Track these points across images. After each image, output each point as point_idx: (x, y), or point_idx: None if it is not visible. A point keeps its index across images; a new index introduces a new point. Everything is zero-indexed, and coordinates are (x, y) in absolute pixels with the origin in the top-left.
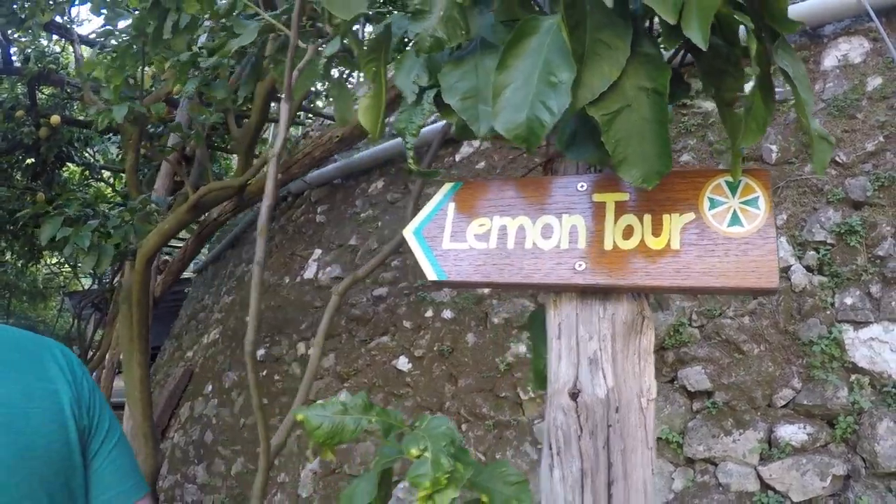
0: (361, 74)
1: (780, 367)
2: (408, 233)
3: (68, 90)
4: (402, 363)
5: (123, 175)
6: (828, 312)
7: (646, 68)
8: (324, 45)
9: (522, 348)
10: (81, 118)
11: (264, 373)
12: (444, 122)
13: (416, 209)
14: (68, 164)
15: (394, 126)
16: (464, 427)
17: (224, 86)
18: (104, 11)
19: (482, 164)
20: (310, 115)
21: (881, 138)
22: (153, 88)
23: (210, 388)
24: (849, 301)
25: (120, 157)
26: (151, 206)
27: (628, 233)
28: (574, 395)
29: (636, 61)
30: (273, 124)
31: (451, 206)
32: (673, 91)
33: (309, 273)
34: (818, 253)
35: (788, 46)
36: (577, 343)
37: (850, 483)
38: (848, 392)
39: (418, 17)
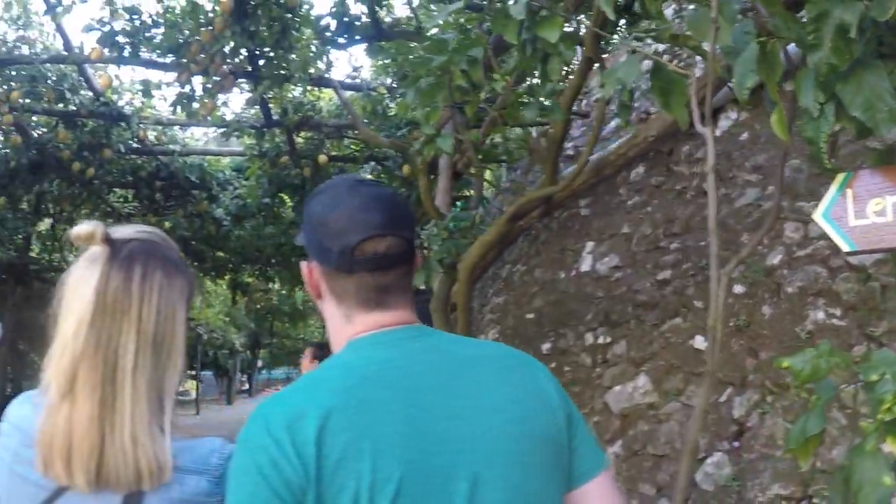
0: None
1: None
2: (818, 216)
3: (325, 131)
4: (699, 342)
5: None
6: None
7: None
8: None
9: (821, 315)
10: (335, 154)
11: (552, 365)
12: None
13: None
14: None
15: (802, 135)
16: (769, 399)
17: (558, 109)
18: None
19: (745, 135)
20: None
21: None
22: None
23: None
24: None
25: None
26: (464, 222)
27: None
28: None
29: None
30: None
31: (849, 191)
32: None
33: (585, 265)
34: None
35: None
36: None
37: None
38: None
39: (812, 48)
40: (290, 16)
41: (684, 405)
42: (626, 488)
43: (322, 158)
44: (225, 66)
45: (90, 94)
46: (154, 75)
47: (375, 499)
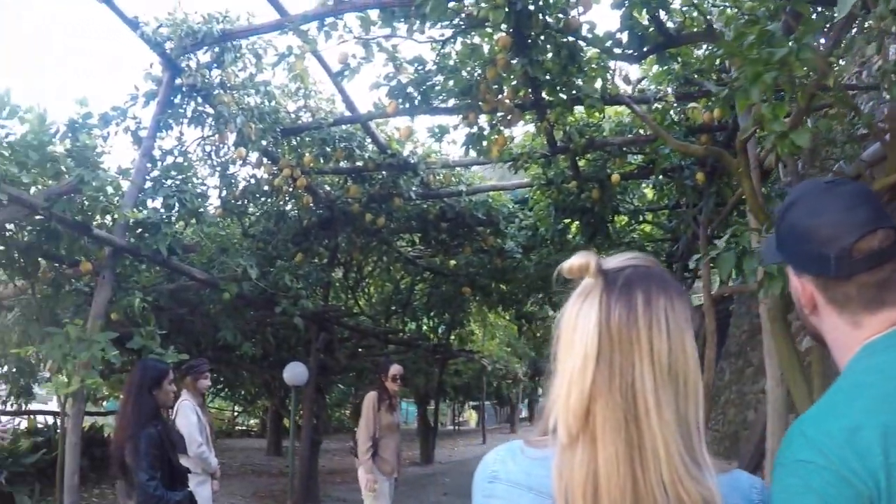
0: None
1: None
2: None
3: (609, 150)
4: None
5: (661, 213)
6: None
7: None
8: None
9: None
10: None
11: None
12: None
13: None
14: (616, 215)
15: None
16: None
17: None
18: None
19: None
20: None
21: None
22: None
23: None
24: None
25: (656, 197)
26: None
27: None
28: None
29: None
30: None
31: None
32: None
33: None
34: None
35: None
36: None
37: None
38: None
39: None
40: (572, 39)
41: None
42: None
43: (615, 178)
44: (509, 101)
45: (375, 148)
46: (439, 121)
47: None
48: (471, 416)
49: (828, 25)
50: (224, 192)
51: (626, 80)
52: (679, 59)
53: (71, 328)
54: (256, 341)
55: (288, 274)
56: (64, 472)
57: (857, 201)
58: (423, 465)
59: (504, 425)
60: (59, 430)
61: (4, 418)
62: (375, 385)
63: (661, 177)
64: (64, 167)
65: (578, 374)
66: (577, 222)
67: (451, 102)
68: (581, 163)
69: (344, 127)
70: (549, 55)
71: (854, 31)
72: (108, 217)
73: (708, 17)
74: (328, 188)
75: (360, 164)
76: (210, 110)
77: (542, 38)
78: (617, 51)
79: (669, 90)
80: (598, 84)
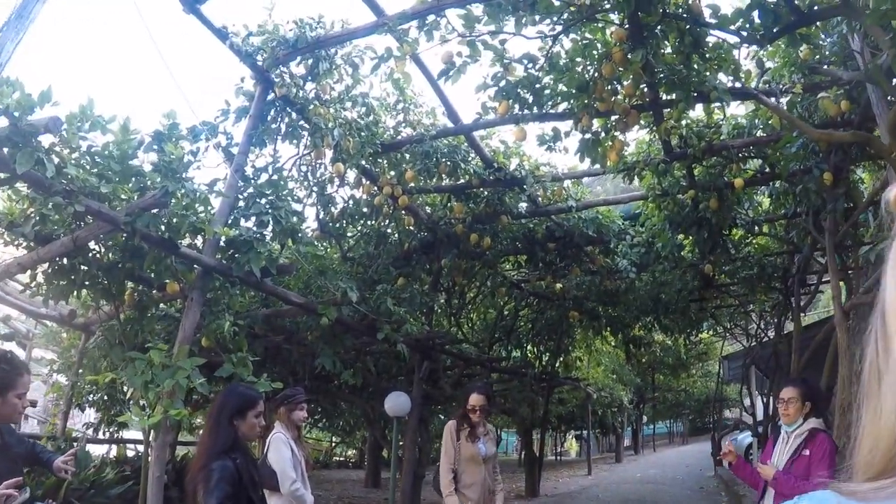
0: None
1: None
2: None
3: (725, 154)
4: None
5: (778, 224)
6: None
7: None
8: None
9: None
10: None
11: None
12: None
13: None
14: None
15: None
16: None
17: None
18: None
19: None
20: None
21: None
22: None
23: None
24: None
25: (772, 207)
26: None
27: None
28: None
29: None
30: None
31: None
32: None
33: None
34: None
35: None
36: None
37: None
38: None
39: None
40: (695, 25)
41: None
42: None
43: (738, 182)
44: (629, 97)
45: (480, 163)
46: (548, 128)
47: None
48: (571, 446)
49: None
50: (321, 214)
51: (760, 64)
52: (808, 43)
53: (154, 353)
54: (356, 370)
55: (390, 298)
56: None
57: None
58: (527, 499)
59: (608, 455)
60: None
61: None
62: (457, 413)
63: (778, 184)
64: (149, 181)
65: None
66: (691, 237)
67: (562, 107)
68: (696, 171)
69: (447, 140)
70: (671, 45)
71: None
72: (199, 238)
73: None
74: (429, 209)
75: (463, 180)
76: (305, 125)
77: (661, 26)
78: (745, 33)
79: (795, 80)
80: (724, 75)
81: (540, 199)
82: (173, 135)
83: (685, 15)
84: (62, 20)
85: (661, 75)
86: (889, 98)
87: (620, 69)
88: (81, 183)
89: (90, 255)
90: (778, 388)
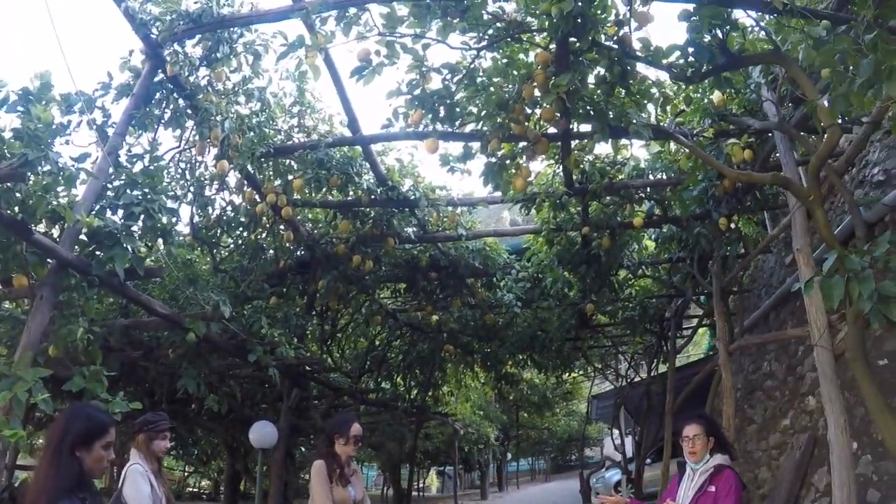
0: None
1: None
2: None
3: (623, 193)
4: None
5: (662, 267)
6: None
7: None
8: None
9: None
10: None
11: None
12: None
13: None
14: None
15: None
16: None
17: None
18: None
19: None
20: None
21: None
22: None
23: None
24: None
25: (658, 250)
26: None
27: None
28: None
29: None
30: None
31: None
32: None
33: None
34: None
35: None
36: None
37: None
38: None
39: None
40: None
41: None
42: None
43: (638, 220)
44: (537, 128)
45: (374, 179)
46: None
47: None
48: (433, 482)
49: None
50: (196, 218)
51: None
52: (731, 87)
53: None
54: (221, 395)
55: (264, 317)
56: None
57: None
58: None
59: (472, 491)
60: None
61: None
62: (323, 450)
63: (665, 228)
64: (6, 149)
65: None
66: (580, 274)
67: (469, 128)
68: (592, 208)
69: (342, 151)
70: (596, 73)
71: None
72: (56, 228)
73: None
74: (311, 226)
75: (353, 196)
76: (193, 114)
77: (593, 51)
78: (675, 70)
79: (705, 125)
80: (645, 111)
81: (429, 224)
82: (43, 97)
83: (615, 46)
84: None
85: (580, 104)
86: (804, 146)
87: (538, 94)
88: None
89: None
90: (650, 427)
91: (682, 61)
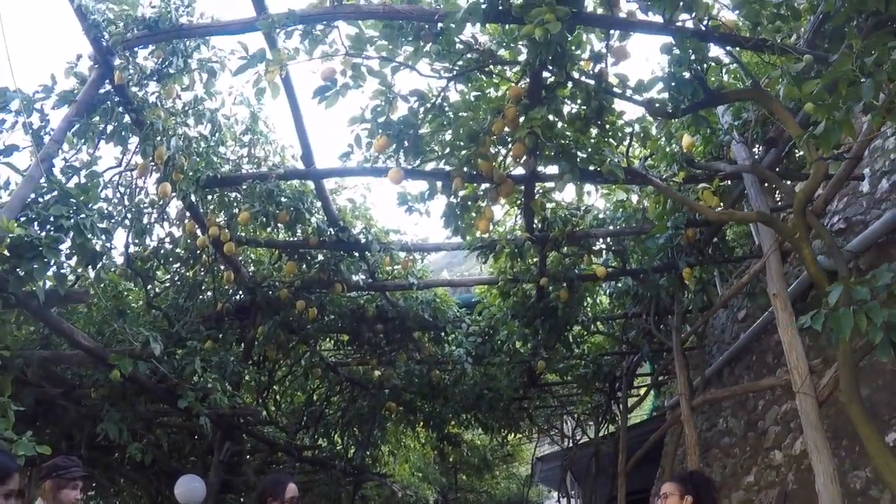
0: None
1: None
2: None
3: (583, 243)
4: None
5: (616, 322)
6: None
7: None
8: None
9: None
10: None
11: None
12: None
13: None
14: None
15: None
16: None
17: None
18: None
19: None
20: None
21: None
22: None
23: None
24: None
25: (613, 306)
26: None
27: None
28: None
29: None
30: None
31: None
32: None
33: None
34: None
35: None
36: None
37: None
38: None
39: None
40: (604, 92)
41: None
42: None
43: (601, 271)
44: (504, 168)
45: (325, 218)
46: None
47: None
48: None
49: None
50: (132, 248)
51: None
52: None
53: None
54: (146, 443)
55: (199, 360)
56: None
57: None
58: None
59: None
60: None
61: None
62: None
63: (620, 282)
64: None
65: None
66: (527, 329)
67: (431, 166)
68: (550, 258)
69: (292, 184)
70: (569, 111)
71: None
72: None
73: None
74: (253, 269)
75: (301, 236)
76: (137, 129)
77: (567, 86)
78: (657, 105)
79: (675, 171)
80: (621, 150)
81: (380, 271)
82: None
83: (592, 81)
84: None
85: (549, 145)
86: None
87: (508, 130)
88: None
89: None
90: (599, 489)
91: (663, 95)
